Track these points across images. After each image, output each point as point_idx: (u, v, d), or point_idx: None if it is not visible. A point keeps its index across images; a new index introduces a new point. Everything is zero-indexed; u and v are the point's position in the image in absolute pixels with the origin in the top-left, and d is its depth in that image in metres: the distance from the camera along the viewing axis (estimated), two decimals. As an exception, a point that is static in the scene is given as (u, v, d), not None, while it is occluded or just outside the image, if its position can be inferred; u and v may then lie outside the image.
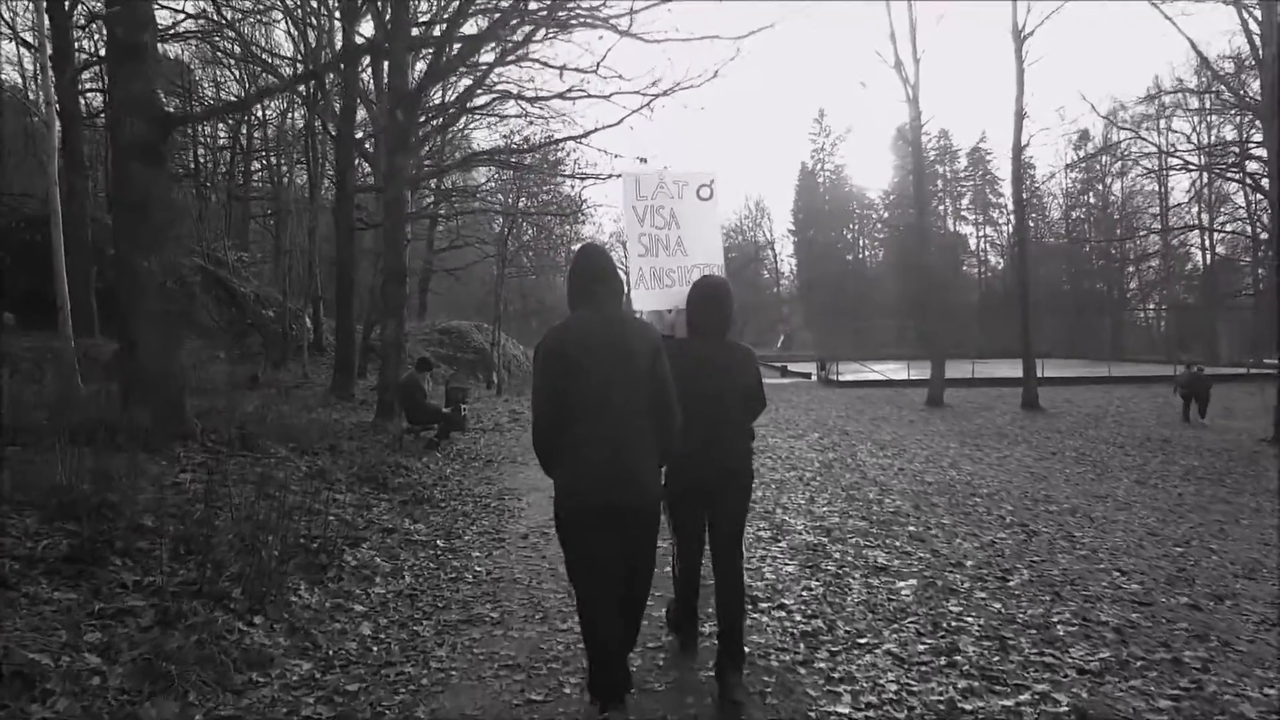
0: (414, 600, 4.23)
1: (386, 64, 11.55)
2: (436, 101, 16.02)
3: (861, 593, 4.46)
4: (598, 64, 9.41)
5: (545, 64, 10.78)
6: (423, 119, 13.30)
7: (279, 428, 7.72)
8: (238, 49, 18.97)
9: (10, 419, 6.19)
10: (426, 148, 21.59)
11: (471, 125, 20.49)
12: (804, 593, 4.42)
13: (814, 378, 33.10)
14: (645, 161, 12.42)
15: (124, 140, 6.52)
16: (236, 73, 27.52)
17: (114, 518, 4.18)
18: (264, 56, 19.99)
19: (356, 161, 16.42)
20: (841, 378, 30.89)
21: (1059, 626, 4.03)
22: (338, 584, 4.28)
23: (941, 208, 61.55)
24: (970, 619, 4.09)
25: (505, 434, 12.02)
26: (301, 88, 18.81)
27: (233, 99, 18.81)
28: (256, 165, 31.57)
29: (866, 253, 68.62)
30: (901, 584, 4.63)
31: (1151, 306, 56.28)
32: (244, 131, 30.71)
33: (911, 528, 6.24)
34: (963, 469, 10.72)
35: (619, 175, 13.02)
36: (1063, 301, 56.02)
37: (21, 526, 3.87)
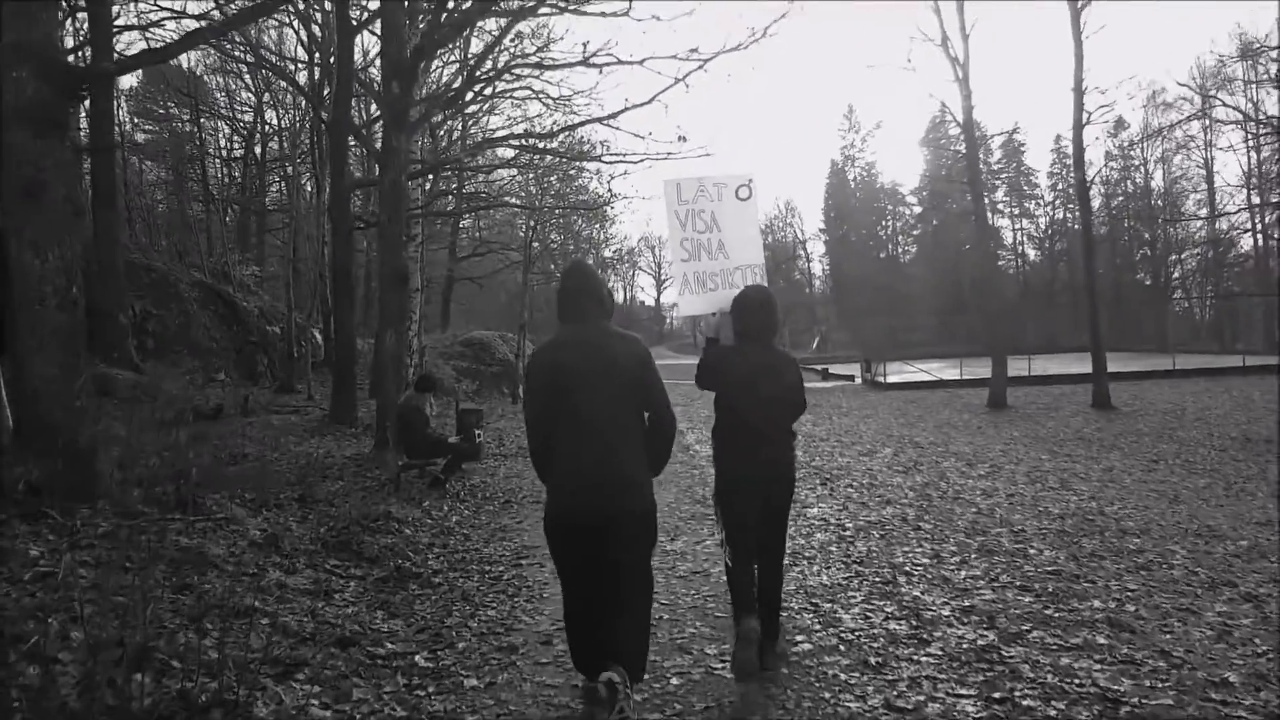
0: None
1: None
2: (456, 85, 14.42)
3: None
4: (629, 2, 7.68)
5: (563, 8, 8.93)
6: (429, 100, 11.70)
7: (236, 473, 6.05)
8: (249, 58, 17.78)
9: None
10: (443, 141, 20.08)
11: (487, 111, 18.91)
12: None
13: (858, 380, 31.33)
14: (684, 140, 10.69)
15: (9, 104, 4.88)
16: (249, 79, 26.53)
17: None
18: (274, 60, 18.74)
19: (355, 148, 14.84)
20: (888, 379, 29.04)
21: None
22: (231, 774, 2.55)
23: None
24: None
25: (529, 459, 10.29)
26: (305, 85, 17.45)
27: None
28: (276, 178, 30.53)
29: (901, 249, 66.59)
30: (1168, 739, 2.80)
31: (1196, 296, 53.57)
32: (257, 140, 29.75)
33: (1096, 602, 4.37)
34: (1079, 490, 8.92)
35: (650, 157, 11.36)
36: (1104, 293, 53.36)
37: None
